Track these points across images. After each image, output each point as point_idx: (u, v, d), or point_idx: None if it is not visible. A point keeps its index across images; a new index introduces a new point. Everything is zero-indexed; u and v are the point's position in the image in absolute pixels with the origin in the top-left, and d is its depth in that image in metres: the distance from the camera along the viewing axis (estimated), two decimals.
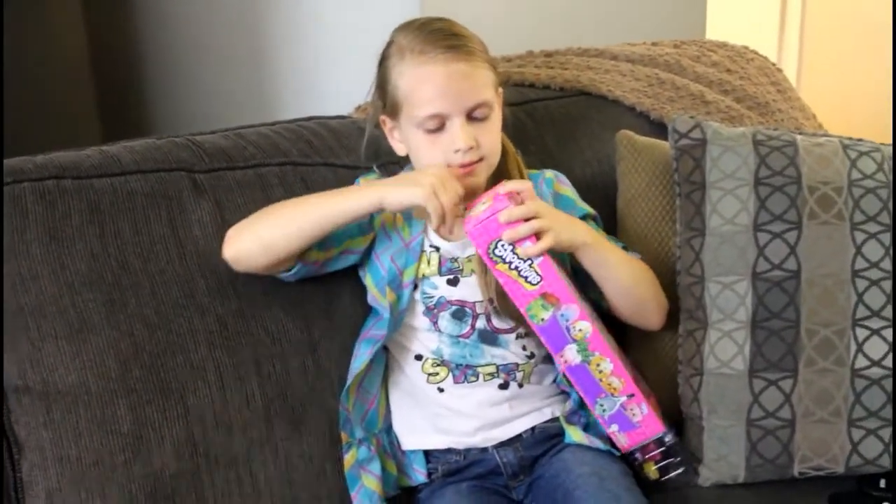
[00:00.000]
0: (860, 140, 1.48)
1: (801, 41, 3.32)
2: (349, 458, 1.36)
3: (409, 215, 1.37)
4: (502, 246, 1.24)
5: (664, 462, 1.36)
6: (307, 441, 1.35)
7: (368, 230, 1.36)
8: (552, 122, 1.61)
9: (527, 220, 1.24)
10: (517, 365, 1.36)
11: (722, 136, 1.43)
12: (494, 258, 1.25)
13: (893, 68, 2.58)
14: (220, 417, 1.30)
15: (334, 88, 2.49)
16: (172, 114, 3.56)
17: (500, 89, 1.38)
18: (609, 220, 1.52)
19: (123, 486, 1.24)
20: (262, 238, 1.29)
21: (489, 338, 1.35)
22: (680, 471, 1.37)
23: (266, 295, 1.35)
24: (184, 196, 1.35)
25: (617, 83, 1.67)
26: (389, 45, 1.34)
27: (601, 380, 1.30)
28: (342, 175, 1.45)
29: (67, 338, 1.25)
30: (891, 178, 1.40)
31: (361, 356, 1.36)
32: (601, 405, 1.32)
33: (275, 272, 1.32)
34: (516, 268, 1.25)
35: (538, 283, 1.25)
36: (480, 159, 1.32)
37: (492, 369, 1.35)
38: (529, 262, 1.24)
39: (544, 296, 1.26)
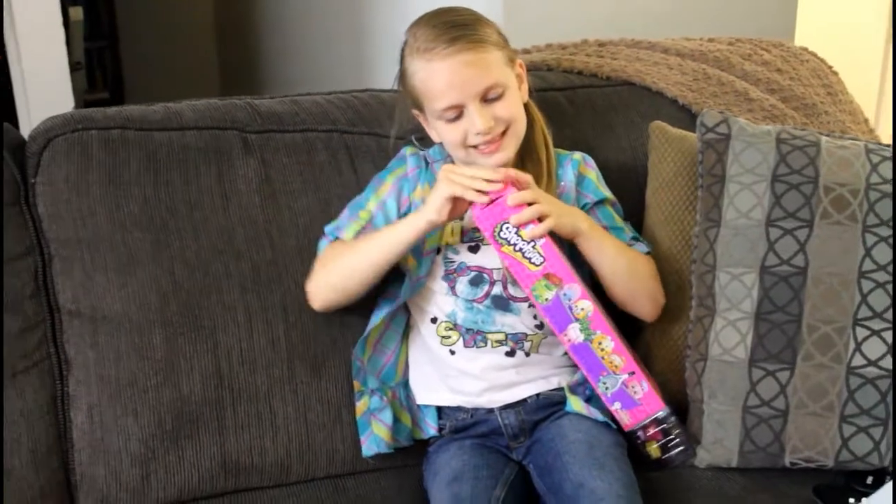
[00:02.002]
0: (888, 145, 1.50)
1: None
2: (361, 406, 1.46)
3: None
4: (507, 229, 1.32)
5: (664, 441, 1.41)
6: (326, 386, 1.46)
7: (404, 214, 1.46)
8: (592, 109, 1.67)
9: (529, 204, 1.32)
10: (525, 335, 1.44)
11: (746, 133, 1.47)
12: (500, 240, 1.33)
13: (894, 69, 2.53)
14: (245, 355, 1.42)
15: None
16: (282, 75, 3.76)
17: (520, 61, 1.45)
18: (638, 207, 1.59)
19: (153, 407, 1.38)
20: (336, 287, 1.43)
21: (502, 304, 1.43)
22: (680, 449, 1.42)
23: (299, 248, 1.47)
24: (234, 153, 1.48)
25: (662, 76, 1.71)
26: (404, 43, 1.42)
27: (603, 357, 1.37)
28: (385, 144, 1.55)
29: (116, 270, 1.40)
30: None
31: (379, 313, 1.45)
32: (604, 383, 1.38)
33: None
34: (521, 250, 1.33)
35: (541, 263, 1.33)
36: (504, 132, 1.40)
37: (500, 337, 1.43)
38: (533, 244, 1.32)
39: (547, 276, 1.33)
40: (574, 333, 1.36)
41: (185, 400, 1.39)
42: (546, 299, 1.34)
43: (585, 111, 1.66)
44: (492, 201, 1.33)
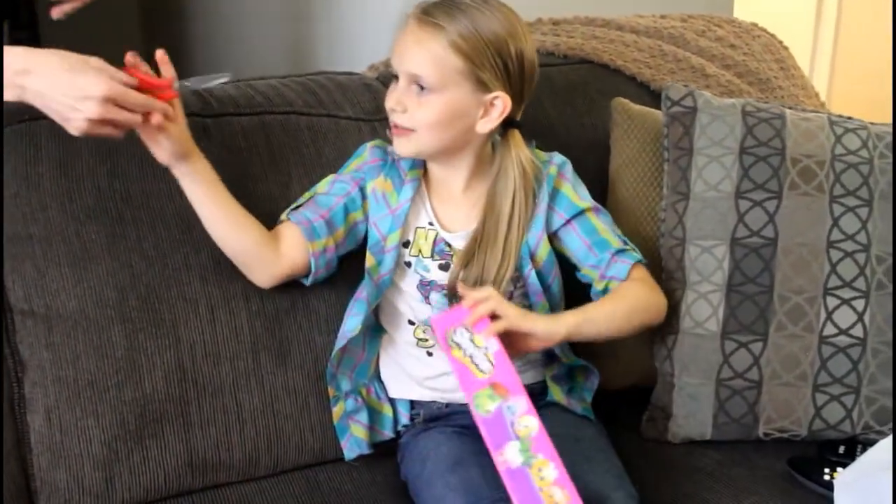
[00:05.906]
0: (849, 118, 1.51)
1: (837, 26, 3.32)
2: (337, 411, 1.42)
3: (400, 183, 1.40)
4: (460, 333, 1.27)
5: None
6: (292, 375, 1.41)
7: (361, 199, 1.41)
8: (551, 88, 1.65)
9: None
10: None
11: (712, 106, 1.47)
12: (451, 344, 1.27)
13: (893, 65, 2.58)
14: (209, 348, 1.37)
15: (368, 44, 2.56)
16: (213, 60, 3.67)
17: (502, 96, 1.31)
18: (600, 184, 1.57)
19: (115, 406, 1.32)
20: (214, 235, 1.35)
21: None
22: None
23: None
24: None
25: (619, 53, 1.70)
26: None
27: (542, 489, 1.18)
28: (344, 126, 1.52)
29: (71, 266, 1.33)
30: (874, 154, 1.44)
31: (355, 318, 1.40)
32: None
33: (291, 277, 1.38)
34: (470, 355, 1.26)
35: (489, 371, 1.25)
36: (411, 130, 1.33)
37: None
38: (485, 350, 1.25)
39: (493, 386, 1.24)
40: (512, 454, 1.20)
41: (148, 398, 1.34)
42: (487, 410, 1.24)
43: (544, 90, 1.62)
44: (452, 309, 1.30)
